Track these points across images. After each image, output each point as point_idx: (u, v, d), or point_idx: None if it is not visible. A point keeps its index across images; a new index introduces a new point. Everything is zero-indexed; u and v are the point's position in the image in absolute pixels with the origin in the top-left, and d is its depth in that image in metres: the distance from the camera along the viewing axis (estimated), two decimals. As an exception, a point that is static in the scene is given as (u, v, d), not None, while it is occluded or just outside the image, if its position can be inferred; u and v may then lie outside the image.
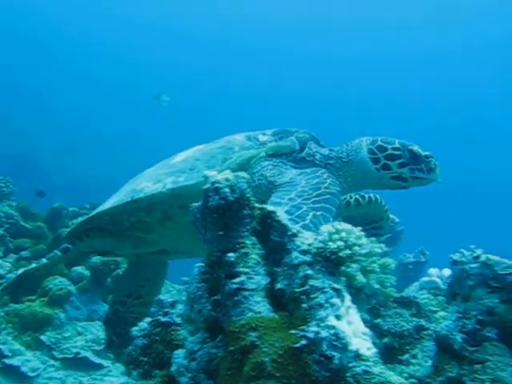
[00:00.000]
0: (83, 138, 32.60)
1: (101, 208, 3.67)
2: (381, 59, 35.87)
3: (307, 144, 3.37)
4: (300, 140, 3.36)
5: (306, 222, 2.55)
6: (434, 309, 2.75)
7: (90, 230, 3.82)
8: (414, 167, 3.07)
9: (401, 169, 3.09)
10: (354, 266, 2.11)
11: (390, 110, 35.95)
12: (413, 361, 2.51)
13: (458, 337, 2.24)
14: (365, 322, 2.47)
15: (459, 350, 2.23)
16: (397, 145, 3.11)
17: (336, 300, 1.85)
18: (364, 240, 1.99)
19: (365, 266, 2.57)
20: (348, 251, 1.92)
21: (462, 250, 2.39)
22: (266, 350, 1.81)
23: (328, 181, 2.92)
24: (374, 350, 1.79)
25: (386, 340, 2.62)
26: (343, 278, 1.94)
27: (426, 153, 3.07)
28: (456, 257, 2.37)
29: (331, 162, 3.35)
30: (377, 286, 2.57)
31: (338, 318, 1.83)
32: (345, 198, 3.64)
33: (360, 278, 2.33)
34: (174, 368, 2.14)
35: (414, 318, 2.69)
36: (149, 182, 3.33)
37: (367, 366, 1.76)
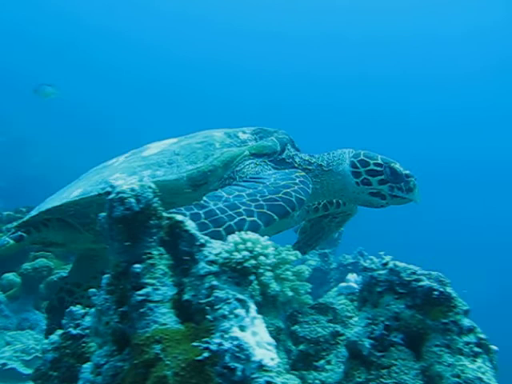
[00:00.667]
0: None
1: (66, 198, 3.33)
2: (364, 40, 36.22)
3: (287, 146, 3.37)
4: (281, 141, 3.36)
5: (230, 223, 2.51)
6: (349, 314, 2.81)
7: (49, 220, 3.53)
8: (393, 185, 3.08)
9: (381, 185, 3.10)
10: (268, 274, 2.12)
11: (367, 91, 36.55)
12: (327, 367, 2.55)
13: (367, 343, 2.30)
14: (280, 329, 2.50)
15: (367, 355, 2.28)
16: (379, 161, 3.13)
17: (240, 311, 1.85)
18: (270, 249, 2.00)
19: (278, 273, 2.61)
20: (253, 261, 1.92)
21: (371, 257, 2.45)
22: (168, 363, 1.78)
23: (296, 187, 2.79)
24: (278, 360, 1.80)
25: (301, 347, 2.65)
26: (249, 289, 1.94)
27: (407, 172, 3.10)
28: (366, 263, 2.42)
29: (310, 167, 3.36)
30: (291, 294, 2.62)
31: (242, 328, 1.83)
32: (313, 204, 3.71)
33: (274, 285, 2.36)
34: (80, 383, 2.08)
35: (331, 324, 2.74)
36: (122, 174, 3.19)
37: (270, 376, 1.77)
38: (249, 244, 1.94)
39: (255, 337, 1.85)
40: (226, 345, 1.77)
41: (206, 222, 2.49)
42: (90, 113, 33.79)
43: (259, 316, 1.90)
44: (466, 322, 2.23)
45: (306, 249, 3.99)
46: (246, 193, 2.72)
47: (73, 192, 3.32)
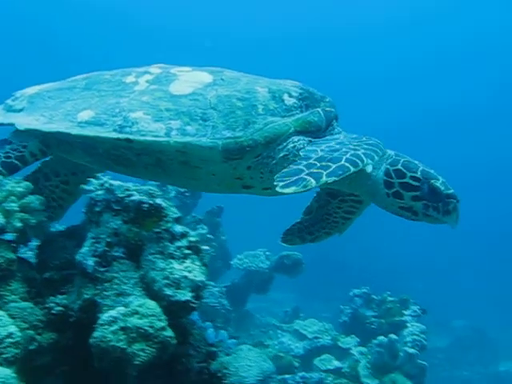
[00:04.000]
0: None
1: (72, 123, 2.74)
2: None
3: (332, 122, 2.95)
4: (328, 116, 2.90)
5: (347, 156, 2.39)
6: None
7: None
8: (429, 204, 2.65)
9: (414, 202, 2.68)
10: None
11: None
12: (70, 290, 2.61)
13: (90, 261, 2.37)
14: (12, 260, 2.47)
15: (92, 272, 2.37)
16: (418, 174, 2.67)
17: None
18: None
19: (4, 206, 2.53)
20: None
21: (90, 179, 2.48)
22: None
23: (369, 138, 2.66)
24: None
25: (47, 275, 2.65)
26: None
27: (449, 191, 2.64)
28: (86, 187, 2.45)
29: None
30: (19, 224, 2.57)
31: None
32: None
33: (-1, 218, 2.29)
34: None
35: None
36: (146, 115, 2.64)
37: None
38: None
39: None
40: None
41: (326, 163, 2.35)
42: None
43: None
44: (178, 228, 2.41)
45: (306, 236, 3.34)
46: (335, 143, 2.57)
47: (80, 113, 2.78)
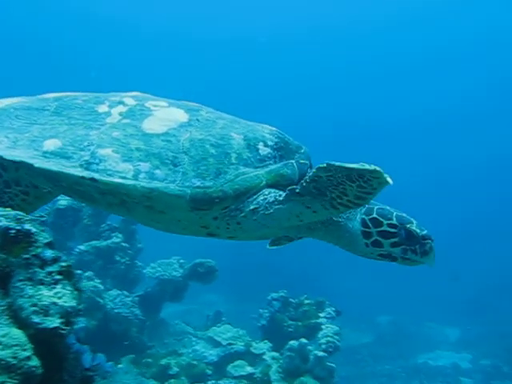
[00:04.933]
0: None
1: (37, 154, 2.57)
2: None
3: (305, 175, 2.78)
4: (301, 169, 2.78)
5: None
6: None
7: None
8: (407, 248, 2.69)
9: (393, 248, 2.70)
10: None
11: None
12: None
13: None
14: None
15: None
16: (394, 221, 2.69)
17: None
18: None
19: None
20: None
21: None
22: None
23: None
24: None
25: None
26: None
27: (424, 233, 2.69)
28: None
29: None
30: None
31: None
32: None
33: None
34: None
35: None
36: (115, 154, 2.48)
37: None
38: None
39: None
40: None
41: None
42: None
43: None
44: (49, 253, 2.35)
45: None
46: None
47: (47, 141, 2.60)
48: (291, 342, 6.12)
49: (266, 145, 2.76)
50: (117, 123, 2.69)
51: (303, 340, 6.13)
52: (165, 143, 2.58)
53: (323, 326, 7.12)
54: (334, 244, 2.97)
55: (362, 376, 13.53)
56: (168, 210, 2.56)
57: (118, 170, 2.47)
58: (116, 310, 6.33)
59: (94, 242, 7.40)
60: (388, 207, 2.77)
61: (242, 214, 2.59)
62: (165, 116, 2.75)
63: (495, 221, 29.77)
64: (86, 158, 2.51)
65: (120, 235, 7.38)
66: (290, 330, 7.36)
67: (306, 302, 7.67)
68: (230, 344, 6.70)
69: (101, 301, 6.41)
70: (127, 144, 2.56)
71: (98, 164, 2.49)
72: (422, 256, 2.67)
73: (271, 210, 2.56)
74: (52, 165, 2.52)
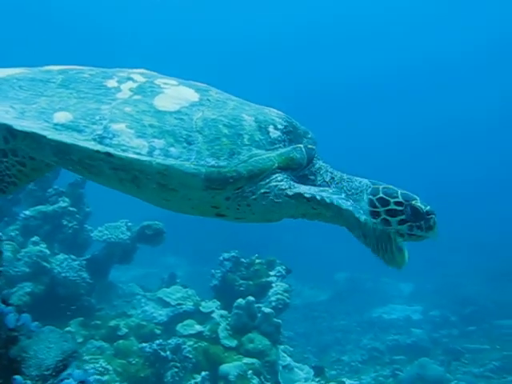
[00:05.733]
0: None
1: (48, 124, 2.51)
2: None
3: (313, 160, 2.90)
4: (309, 154, 2.82)
5: None
6: None
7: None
8: (413, 224, 2.72)
9: (400, 225, 2.72)
10: None
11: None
12: None
13: None
14: None
15: None
16: (400, 199, 2.73)
17: None
18: None
19: None
20: None
21: None
22: None
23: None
24: None
25: None
26: None
27: (428, 208, 2.74)
28: None
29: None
30: None
31: None
32: None
33: None
34: None
35: None
36: (129, 129, 2.45)
37: None
38: None
39: None
40: None
41: None
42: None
43: None
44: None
45: None
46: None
47: (57, 114, 2.52)
48: (239, 300, 6.23)
49: (276, 128, 2.80)
50: (128, 99, 2.65)
51: (250, 298, 6.25)
52: (178, 121, 2.58)
53: (273, 285, 7.27)
54: (339, 225, 2.97)
55: (319, 332, 14.04)
56: (180, 188, 2.56)
57: (133, 145, 2.44)
58: (63, 274, 6.26)
59: (40, 207, 7.22)
60: (391, 186, 2.82)
61: (254, 197, 2.64)
62: (176, 94, 2.74)
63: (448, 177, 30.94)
64: (99, 132, 2.47)
65: (67, 199, 7.23)
66: (242, 289, 7.46)
67: (257, 261, 7.77)
68: (179, 304, 6.78)
69: (47, 265, 6.32)
70: (140, 120, 2.54)
71: (111, 139, 2.45)
72: (426, 231, 2.73)
73: (280, 200, 2.64)
74: (65, 137, 2.46)
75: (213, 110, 2.72)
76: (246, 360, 5.83)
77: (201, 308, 6.67)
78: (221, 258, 7.87)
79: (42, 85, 2.73)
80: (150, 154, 2.46)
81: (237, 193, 2.60)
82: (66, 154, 2.61)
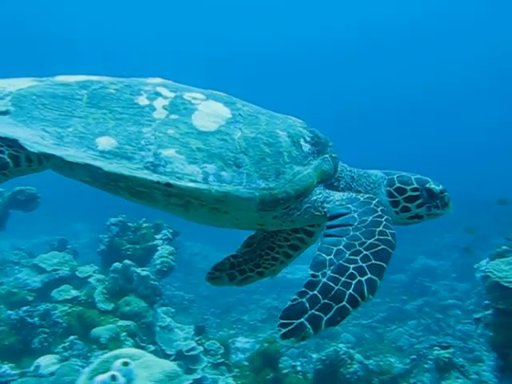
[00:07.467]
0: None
1: (91, 152, 2.32)
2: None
3: (337, 168, 2.90)
4: (335, 163, 2.82)
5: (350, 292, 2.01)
6: None
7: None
8: (430, 205, 2.87)
9: (419, 209, 2.86)
10: None
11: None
12: None
13: None
14: None
15: None
16: (415, 185, 2.85)
17: None
18: None
19: None
20: None
21: None
22: None
23: (383, 221, 2.39)
24: None
25: None
26: None
27: (440, 187, 2.86)
28: None
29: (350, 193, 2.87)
30: None
31: None
32: None
33: None
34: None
35: None
36: (179, 155, 2.36)
37: None
38: None
39: None
40: None
41: (328, 301, 2.00)
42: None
43: None
44: None
45: (236, 275, 3.00)
46: (343, 245, 2.23)
47: (99, 139, 2.34)
48: (115, 264, 6.21)
49: (305, 141, 2.79)
50: (166, 119, 2.52)
51: (127, 261, 6.24)
52: (222, 142, 2.51)
53: (159, 248, 7.30)
54: None
55: (222, 293, 14.32)
56: (232, 211, 2.50)
57: (187, 172, 2.36)
58: None
59: None
60: (404, 173, 2.96)
61: (298, 213, 2.61)
62: (209, 111, 2.64)
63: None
64: (150, 160, 2.35)
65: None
66: (129, 253, 7.42)
67: (145, 225, 7.75)
68: (54, 270, 6.64)
69: None
70: (187, 144, 2.45)
71: (164, 166, 2.35)
72: (443, 208, 2.90)
73: (318, 213, 2.61)
74: (118, 167, 2.31)
75: (249, 127, 2.67)
76: (121, 322, 5.86)
77: (77, 273, 6.57)
78: (108, 222, 7.76)
79: (68, 102, 2.49)
80: (205, 180, 2.39)
81: (284, 211, 2.59)
82: (112, 181, 2.45)
